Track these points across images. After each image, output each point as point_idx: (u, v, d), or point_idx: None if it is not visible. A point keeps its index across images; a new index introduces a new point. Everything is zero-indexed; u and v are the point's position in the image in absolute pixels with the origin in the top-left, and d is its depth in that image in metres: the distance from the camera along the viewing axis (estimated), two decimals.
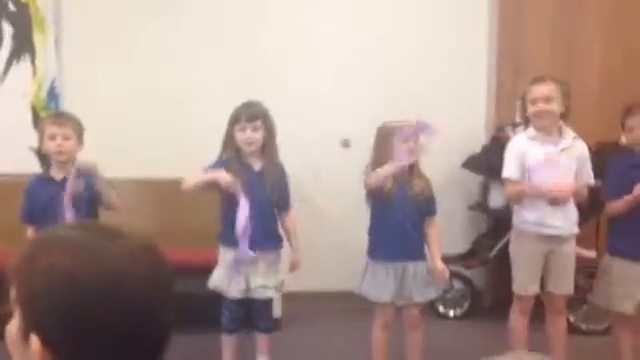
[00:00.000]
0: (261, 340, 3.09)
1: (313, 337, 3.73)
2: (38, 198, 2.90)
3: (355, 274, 3.10)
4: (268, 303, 3.04)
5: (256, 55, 4.07)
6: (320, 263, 4.01)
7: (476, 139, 4.19)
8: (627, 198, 2.85)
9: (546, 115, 2.89)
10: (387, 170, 2.81)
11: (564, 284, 2.98)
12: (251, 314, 3.05)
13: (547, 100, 2.87)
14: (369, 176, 2.90)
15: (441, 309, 4.09)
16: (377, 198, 2.92)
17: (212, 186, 2.86)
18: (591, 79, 4.28)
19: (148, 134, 3.98)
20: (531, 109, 2.91)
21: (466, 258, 4.09)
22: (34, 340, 0.80)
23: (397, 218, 2.91)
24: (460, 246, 4.16)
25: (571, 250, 2.99)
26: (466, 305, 4.11)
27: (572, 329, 3.55)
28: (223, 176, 2.80)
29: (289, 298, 3.75)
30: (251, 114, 2.90)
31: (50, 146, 2.86)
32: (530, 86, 2.93)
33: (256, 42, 4.08)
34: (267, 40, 4.09)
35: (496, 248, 3.83)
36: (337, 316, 3.99)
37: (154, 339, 0.85)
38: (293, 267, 3.06)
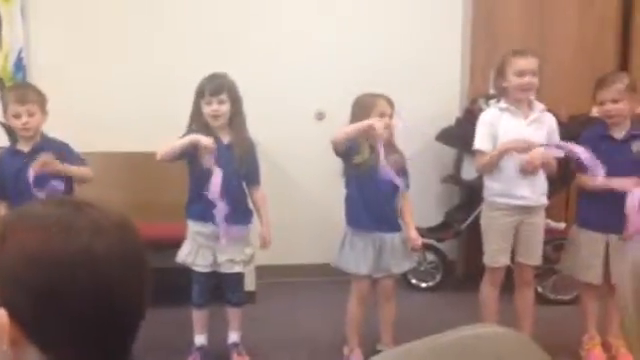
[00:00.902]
0: (232, 314, 3.07)
1: (287, 310, 3.74)
2: (7, 171, 2.88)
3: (330, 247, 3.11)
4: (238, 277, 3.02)
5: (229, 28, 4.01)
6: (294, 237, 4.02)
7: (450, 112, 4.19)
8: (595, 180, 2.85)
9: (533, 88, 2.90)
10: (353, 128, 2.80)
11: (532, 254, 3.02)
12: (221, 288, 3.03)
13: (534, 73, 2.88)
14: (337, 132, 2.86)
15: (413, 281, 4.13)
16: (353, 171, 2.91)
17: (185, 154, 2.82)
18: (564, 52, 4.30)
19: (118, 106, 3.91)
20: (516, 81, 2.88)
21: (439, 230, 4.12)
22: (2, 315, 0.79)
23: (372, 191, 2.91)
24: (433, 218, 4.19)
25: (540, 221, 3.02)
26: (438, 277, 4.16)
27: (541, 299, 3.62)
28: (204, 137, 2.77)
29: (263, 272, 3.76)
30: (215, 87, 2.84)
31: (16, 124, 2.85)
32: (513, 58, 2.90)
33: (229, 14, 4.02)
34: (240, 13, 4.03)
35: (468, 220, 3.87)
36: (312, 289, 4.01)
37: (127, 314, 0.84)
38: (263, 243, 3.03)
